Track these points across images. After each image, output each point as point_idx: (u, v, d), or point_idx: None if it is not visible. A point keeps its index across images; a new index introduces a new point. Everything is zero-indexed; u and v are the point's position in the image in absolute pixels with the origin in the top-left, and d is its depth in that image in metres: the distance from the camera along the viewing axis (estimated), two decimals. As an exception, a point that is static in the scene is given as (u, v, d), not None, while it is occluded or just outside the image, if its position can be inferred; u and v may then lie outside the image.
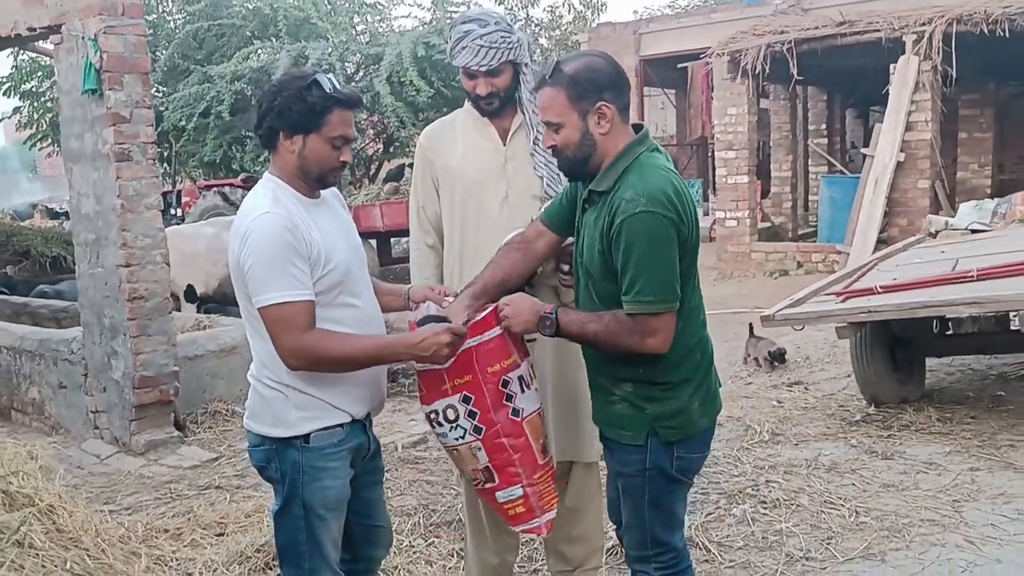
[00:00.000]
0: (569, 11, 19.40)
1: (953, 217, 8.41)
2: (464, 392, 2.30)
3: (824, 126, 13.20)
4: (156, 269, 5.16)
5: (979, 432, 4.80)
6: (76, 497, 4.36)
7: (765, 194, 13.64)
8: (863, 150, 9.94)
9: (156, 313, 5.17)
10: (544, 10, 20.14)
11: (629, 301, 2.15)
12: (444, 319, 2.31)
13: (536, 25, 19.20)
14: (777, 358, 6.72)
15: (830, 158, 12.94)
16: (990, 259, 5.17)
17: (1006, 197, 8.27)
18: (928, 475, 4.26)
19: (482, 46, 2.75)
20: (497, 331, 2.33)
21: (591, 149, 2.27)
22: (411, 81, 13.74)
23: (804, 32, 9.65)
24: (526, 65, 2.89)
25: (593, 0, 19.25)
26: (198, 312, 8.22)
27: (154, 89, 14.72)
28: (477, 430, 2.31)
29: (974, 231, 7.59)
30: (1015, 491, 3.97)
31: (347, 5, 17.45)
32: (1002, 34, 8.79)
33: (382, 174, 16.13)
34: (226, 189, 14.48)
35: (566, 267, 2.72)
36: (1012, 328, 5.96)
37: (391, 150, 17.90)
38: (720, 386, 2.46)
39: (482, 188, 2.87)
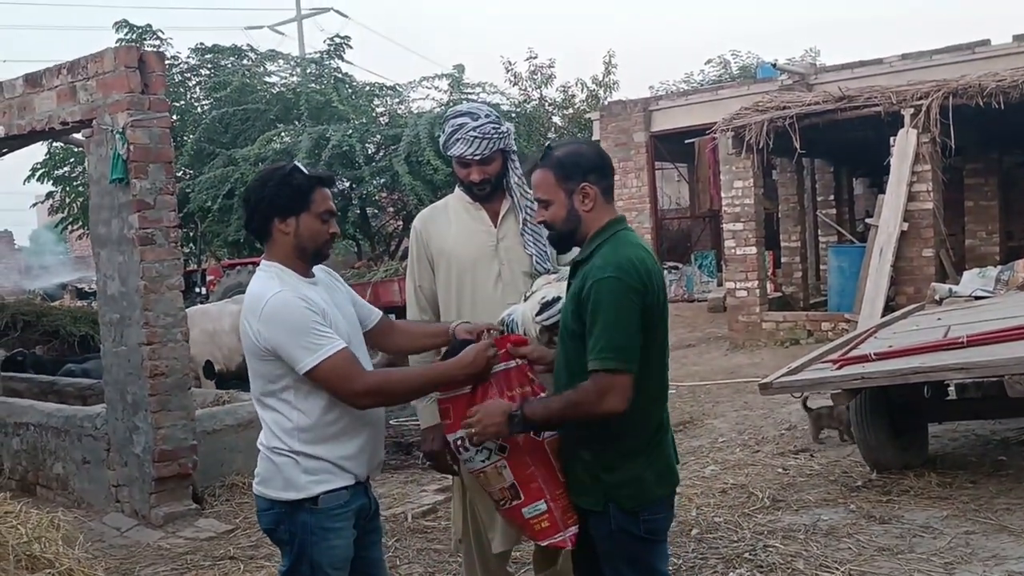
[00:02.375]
0: (582, 90, 19.97)
1: (958, 285, 8.54)
2: None
3: (832, 196, 13.45)
4: (177, 347, 5.41)
5: (977, 496, 4.87)
6: (96, 565, 4.55)
7: (778, 264, 13.83)
8: (868, 220, 10.14)
9: (176, 389, 5.40)
10: (557, 89, 20.68)
11: (591, 360, 2.34)
12: (472, 342, 2.58)
13: (550, 104, 19.77)
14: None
15: (839, 227, 13.14)
16: (981, 325, 5.31)
17: (1009, 264, 8.40)
18: (924, 539, 4.33)
19: (476, 137, 3.01)
20: (515, 362, 2.57)
21: (576, 224, 2.53)
22: (428, 160, 14.19)
23: (805, 108, 9.95)
24: (514, 152, 3.14)
25: (605, 79, 19.83)
26: (218, 388, 8.44)
27: (181, 171, 15.31)
28: (502, 449, 2.50)
29: (977, 298, 7.71)
30: (1007, 553, 4.05)
31: (367, 89, 18.06)
32: (997, 106, 9.04)
33: (401, 251, 16.49)
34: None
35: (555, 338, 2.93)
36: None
37: (410, 227, 18.22)
38: (679, 462, 2.63)
39: (476, 268, 3.10)
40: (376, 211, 17.82)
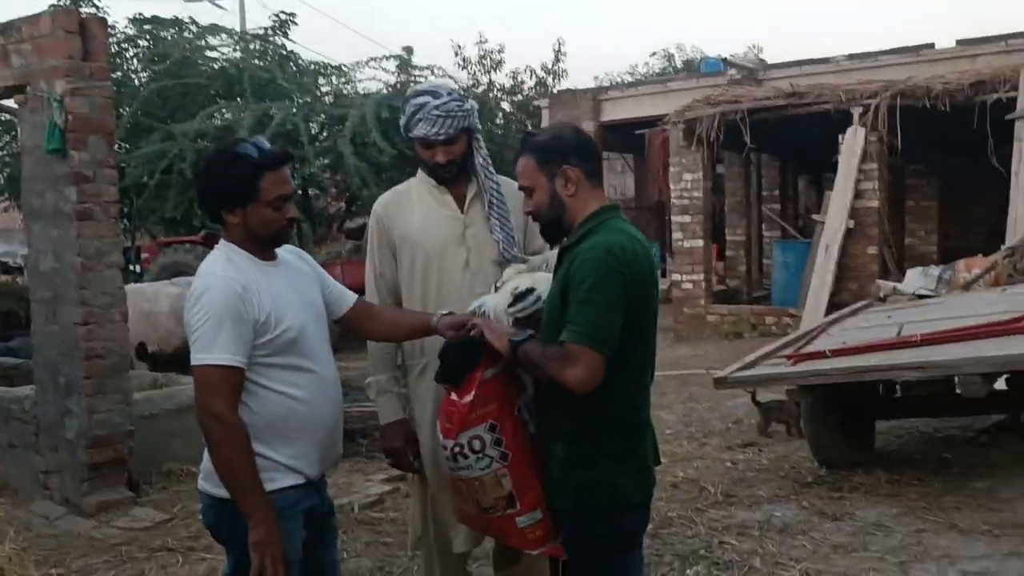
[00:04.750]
0: (531, 76, 19.85)
1: (901, 283, 8.66)
2: (491, 420, 2.35)
3: (777, 192, 13.58)
4: (115, 328, 5.16)
5: (925, 494, 4.91)
6: (26, 560, 4.31)
7: (721, 257, 13.92)
8: (815, 216, 10.24)
9: (113, 371, 5.15)
10: (507, 75, 20.53)
11: (566, 331, 2.22)
12: (474, 346, 2.40)
13: (499, 90, 19.61)
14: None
15: (783, 223, 13.27)
16: (933, 324, 5.35)
17: (950, 264, 8.54)
18: (876, 536, 4.34)
19: (439, 116, 2.86)
20: (503, 363, 2.41)
21: (560, 211, 2.41)
22: (374, 142, 13.93)
23: (757, 102, 9.99)
24: (478, 131, 3.01)
25: (554, 67, 19.74)
26: (152, 371, 8.14)
27: (116, 146, 14.73)
28: (504, 456, 2.35)
29: (920, 296, 7.82)
30: (959, 552, 4.07)
31: (312, 68, 17.67)
32: (943, 108, 9.17)
33: (343, 232, 16.22)
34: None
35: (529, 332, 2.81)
36: (957, 392, 6.16)
37: (353, 208, 18.01)
38: (659, 463, 2.52)
39: (442, 255, 2.96)
40: (319, 192, 17.47)
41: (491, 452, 2.36)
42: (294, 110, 14.77)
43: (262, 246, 2.45)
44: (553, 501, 2.38)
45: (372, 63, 16.89)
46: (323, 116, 16.02)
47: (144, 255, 17.23)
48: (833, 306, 9.70)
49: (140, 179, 14.40)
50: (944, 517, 4.54)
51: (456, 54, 20.51)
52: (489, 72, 20.22)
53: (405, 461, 2.99)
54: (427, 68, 16.51)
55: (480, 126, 3.02)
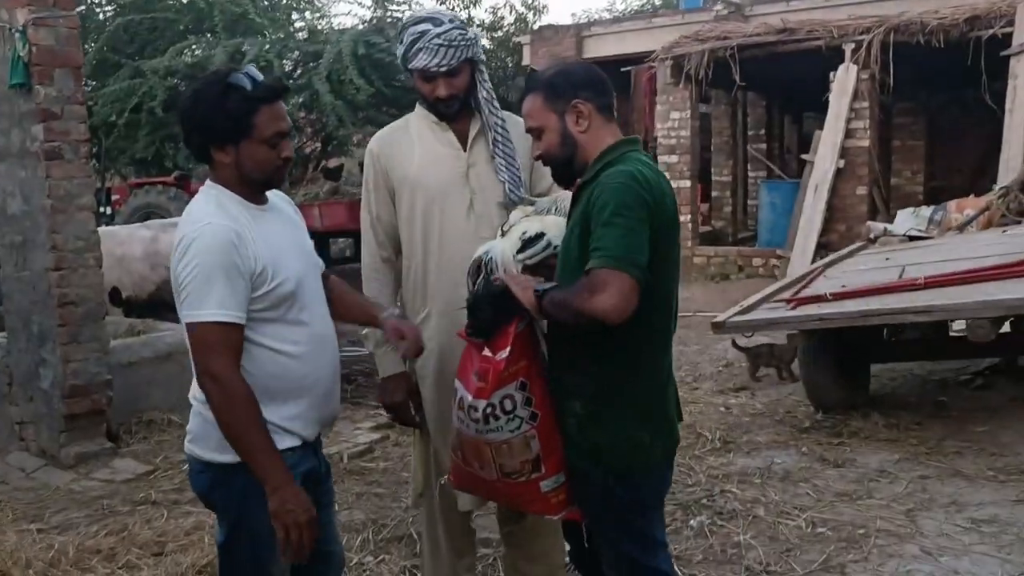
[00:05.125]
0: (511, 12, 19.34)
1: (891, 224, 8.55)
2: (521, 378, 2.18)
3: (763, 131, 13.36)
4: (88, 273, 4.92)
5: (925, 439, 4.84)
6: (2, 515, 4.15)
7: (706, 198, 13.75)
8: (804, 156, 10.06)
9: (88, 319, 4.93)
10: (486, 11, 20.03)
11: (591, 260, 2.01)
12: (507, 297, 2.18)
13: (478, 26, 19.07)
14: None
15: (769, 163, 13.10)
16: (934, 267, 5.23)
17: (941, 205, 8.42)
18: (880, 483, 4.26)
19: (440, 45, 2.63)
20: (527, 318, 2.24)
21: (572, 149, 2.22)
22: (351, 80, 13.52)
23: (747, 39, 9.73)
24: (482, 62, 2.78)
25: (534, 2, 19.22)
26: (126, 317, 7.90)
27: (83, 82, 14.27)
28: (533, 417, 2.18)
29: (912, 238, 7.70)
30: (965, 499, 4.00)
31: (285, 2, 17.12)
32: (937, 44, 8.97)
33: (319, 171, 15.87)
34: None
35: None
36: (951, 334, 6.09)
37: (329, 149, 17.63)
38: (681, 418, 2.37)
39: (445, 197, 2.75)
40: (294, 131, 17.05)
41: (521, 412, 2.18)
42: (267, 46, 14.29)
43: (254, 189, 2.24)
44: (571, 462, 2.23)
45: (347, -3, 16.31)
46: (297, 53, 15.55)
47: (115, 197, 16.81)
48: (821, 247, 9.60)
49: (108, 118, 13.95)
50: (947, 463, 4.47)
51: (433, -12, 19.90)
52: (468, 7, 19.67)
53: (407, 415, 2.83)
54: (405, 3, 16.04)
55: (484, 56, 2.79)
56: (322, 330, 2.33)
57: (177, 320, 2.29)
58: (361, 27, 15.58)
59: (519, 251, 2.64)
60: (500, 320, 2.18)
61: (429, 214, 2.76)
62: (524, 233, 2.66)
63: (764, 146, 13.32)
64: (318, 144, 17.89)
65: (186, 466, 2.45)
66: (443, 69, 2.64)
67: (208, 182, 2.25)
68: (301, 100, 14.82)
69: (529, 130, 2.29)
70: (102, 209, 15.56)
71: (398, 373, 2.80)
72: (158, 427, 5.50)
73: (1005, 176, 8.26)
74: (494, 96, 2.80)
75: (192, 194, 12.43)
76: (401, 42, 2.70)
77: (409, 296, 2.84)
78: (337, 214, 12.68)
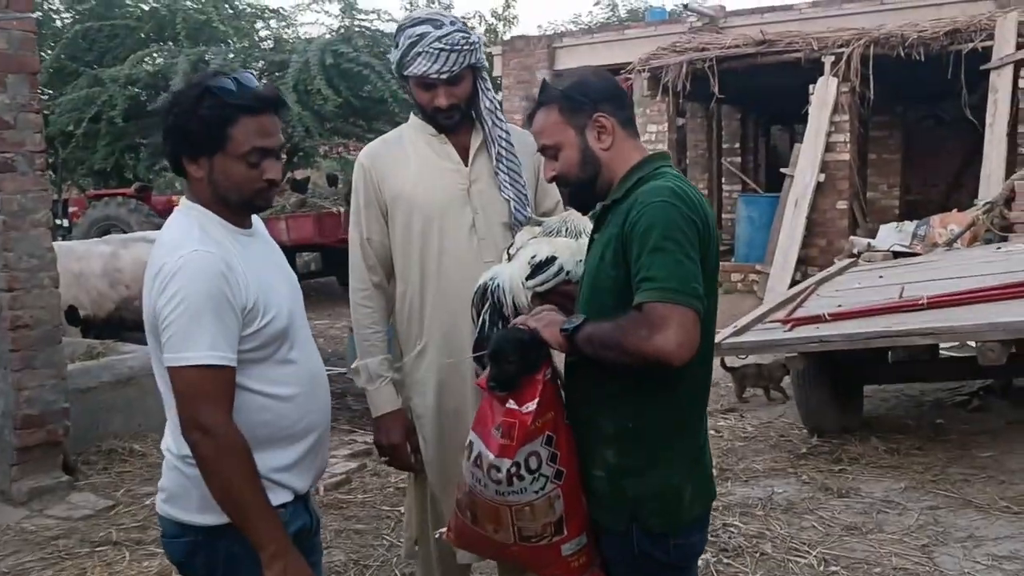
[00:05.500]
0: (481, 23, 19.13)
1: (874, 239, 8.42)
2: (548, 432, 1.92)
3: (738, 145, 13.23)
4: (44, 294, 4.57)
5: (929, 465, 4.65)
6: (-54, 563, 3.79)
7: (679, 211, 13.56)
8: (783, 170, 9.92)
9: (44, 343, 4.58)
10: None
11: (640, 292, 1.76)
12: (536, 342, 1.94)
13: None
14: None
15: (744, 177, 12.97)
16: (934, 286, 5.06)
17: (924, 220, 8.31)
18: (890, 515, 4.06)
19: (442, 49, 2.38)
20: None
21: (596, 168, 1.97)
22: (319, 90, 13.27)
23: (726, 50, 9.58)
24: (485, 69, 2.54)
25: (504, 13, 19.06)
26: (84, 338, 7.52)
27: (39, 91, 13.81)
28: (559, 475, 1.92)
29: (896, 253, 7.57)
30: (982, 533, 3.81)
31: (250, 10, 16.77)
32: (918, 57, 8.88)
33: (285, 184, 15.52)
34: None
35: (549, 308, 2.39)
36: (943, 355, 5.95)
37: (295, 160, 17.30)
38: (713, 467, 2.13)
39: (444, 216, 2.49)
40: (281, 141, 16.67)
41: (546, 470, 1.91)
42: (231, 55, 13.97)
43: (234, 210, 1.97)
44: (599, 520, 1.97)
45: (314, 6, 16.08)
46: (262, 62, 15.26)
47: (72, 209, 16.31)
48: (800, 262, 9.46)
49: (66, 127, 13.54)
50: (955, 492, 4.29)
51: (402, -2, 19.65)
52: (437, 18, 19.41)
53: (404, 458, 2.56)
54: (373, 12, 15.84)
55: (487, 63, 2.53)
56: (314, 368, 2.06)
57: (139, 340, 2.00)
58: (328, 36, 15.30)
59: (529, 277, 2.39)
60: (528, 369, 1.92)
61: (427, 235, 2.50)
62: (533, 257, 2.41)
63: (739, 159, 13.19)
64: (283, 156, 17.55)
65: (150, 499, 2.15)
66: (444, 76, 2.39)
67: (185, 201, 1.98)
68: (267, 111, 14.52)
69: (543, 148, 2.03)
70: (59, 222, 15.08)
71: (394, 411, 2.53)
72: (119, 457, 5.17)
73: (986, 191, 8.17)
74: (498, 106, 2.56)
75: (154, 207, 12.01)
76: (396, 46, 2.44)
77: (403, 326, 2.58)
78: (304, 227, 12.37)
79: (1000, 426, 5.31)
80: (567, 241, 2.42)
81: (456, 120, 2.49)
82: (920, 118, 12.70)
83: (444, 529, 2.22)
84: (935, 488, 4.35)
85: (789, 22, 11.92)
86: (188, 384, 1.80)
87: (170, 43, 14.71)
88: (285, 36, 16.36)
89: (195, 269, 1.81)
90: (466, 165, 2.53)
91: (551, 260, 2.37)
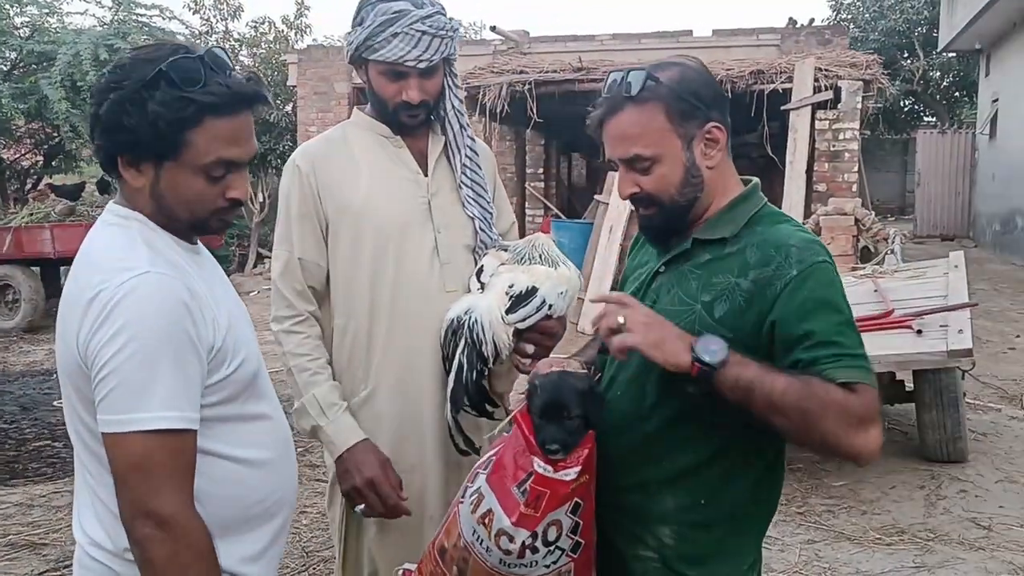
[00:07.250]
0: (270, 29, 18.17)
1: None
2: (576, 499, 1.54)
3: (541, 170, 13.32)
4: None
5: (791, 496, 4.66)
6: None
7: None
8: (597, 197, 10.00)
9: None
10: (247, 25, 18.69)
11: (837, 367, 1.38)
12: (595, 394, 1.61)
13: (236, 40, 17.73)
14: None
15: (547, 203, 13.05)
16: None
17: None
18: (770, 551, 3.97)
19: (424, 32, 1.96)
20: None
21: (697, 191, 1.57)
22: (91, 86, 11.98)
23: (544, 75, 9.55)
24: (454, 60, 2.14)
25: (296, 21, 18.21)
26: None
27: None
28: (576, 548, 1.56)
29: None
30: (866, 568, 3.81)
31: (0, -7, 14.96)
32: (727, 94, 9.25)
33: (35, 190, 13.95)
34: None
35: (529, 348, 2.02)
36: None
37: (54, 164, 15.63)
38: None
39: (403, 236, 2.05)
40: (9, 141, 14.93)
41: (564, 543, 1.55)
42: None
43: (179, 229, 1.46)
44: None
45: (83, -6, 14.60)
46: (17, 52, 13.65)
47: None
48: (615, 289, 9.54)
49: None
50: (825, 524, 4.30)
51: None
52: (226, 20, 18.26)
53: (387, 492, 1.97)
54: (153, 7, 14.48)
55: (456, 56, 2.13)
56: (280, 421, 1.59)
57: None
58: (100, 29, 13.93)
59: (508, 311, 2.03)
60: (589, 426, 1.56)
61: (380, 259, 2.05)
62: (511, 287, 2.06)
63: (542, 184, 13.28)
64: (40, 157, 15.86)
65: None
66: (422, 64, 1.97)
67: (115, 207, 1.45)
68: (26, 106, 13.00)
69: (633, 158, 1.55)
70: None
71: (361, 441, 2.01)
72: None
73: (790, 225, 8.59)
74: (464, 110, 2.17)
75: None
76: (361, 23, 1.99)
77: (343, 366, 2.09)
78: (75, 239, 11.02)
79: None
80: (546, 270, 2.10)
81: (421, 120, 2.08)
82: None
83: (410, 566, 1.79)
84: (804, 520, 4.35)
85: (591, 52, 12.19)
86: (136, 457, 1.30)
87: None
88: (47, 25, 14.69)
89: (148, 297, 1.31)
90: (425, 175, 2.12)
91: (532, 291, 2.04)
